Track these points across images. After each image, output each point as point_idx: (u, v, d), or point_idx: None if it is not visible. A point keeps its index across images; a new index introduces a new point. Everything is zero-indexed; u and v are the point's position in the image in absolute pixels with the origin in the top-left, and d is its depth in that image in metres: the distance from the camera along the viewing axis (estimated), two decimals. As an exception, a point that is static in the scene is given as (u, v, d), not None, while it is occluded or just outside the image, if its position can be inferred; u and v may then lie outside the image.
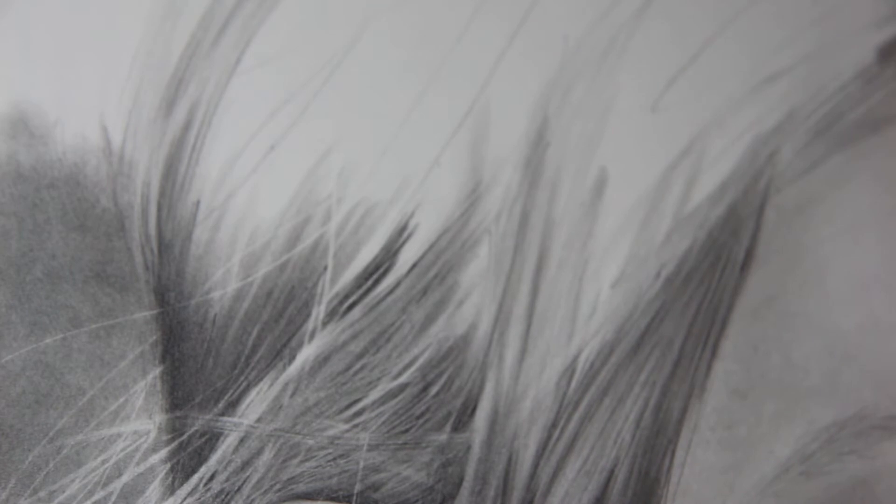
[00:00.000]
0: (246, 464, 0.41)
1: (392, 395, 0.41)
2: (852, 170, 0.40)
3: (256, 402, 0.41)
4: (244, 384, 0.41)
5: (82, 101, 0.42)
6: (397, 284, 0.40)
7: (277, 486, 0.41)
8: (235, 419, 0.41)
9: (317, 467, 0.41)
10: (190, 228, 0.41)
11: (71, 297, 0.42)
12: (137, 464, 0.42)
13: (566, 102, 0.40)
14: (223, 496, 0.41)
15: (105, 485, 0.42)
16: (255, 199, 0.41)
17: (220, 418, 0.41)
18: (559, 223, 0.40)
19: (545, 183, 0.40)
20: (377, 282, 0.40)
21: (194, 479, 0.41)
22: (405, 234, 0.40)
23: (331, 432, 0.41)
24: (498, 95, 0.40)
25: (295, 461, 0.41)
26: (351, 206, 0.40)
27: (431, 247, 0.40)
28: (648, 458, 0.40)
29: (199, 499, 0.41)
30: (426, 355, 0.40)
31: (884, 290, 0.40)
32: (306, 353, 0.41)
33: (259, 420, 0.41)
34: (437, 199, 0.40)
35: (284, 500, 0.41)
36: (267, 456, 0.41)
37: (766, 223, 0.40)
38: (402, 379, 0.40)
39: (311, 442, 0.41)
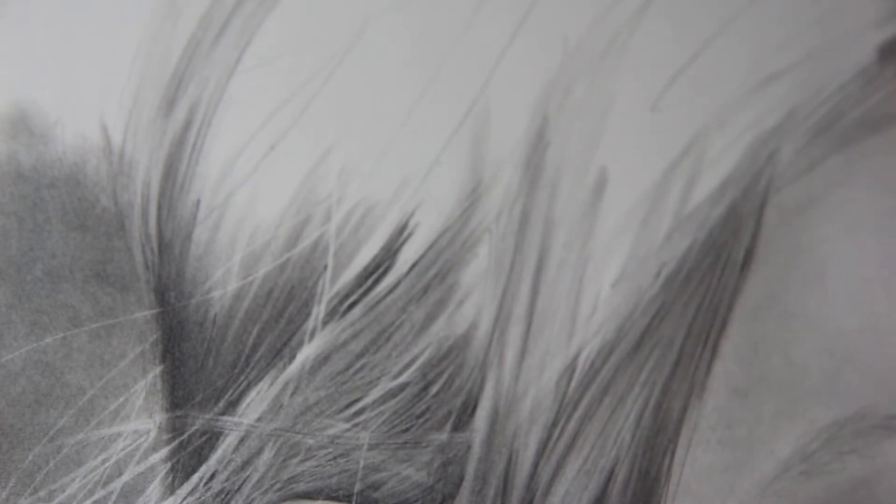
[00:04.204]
0: (246, 463, 0.41)
1: (392, 394, 0.41)
2: (852, 170, 0.40)
3: (256, 402, 0.41)
4: (244, 383, 0.41)
5: (82, 100, 0.42)
6: (397, 284, 0.40)
7: (278, 486, 0.41)
8: (235, 418, 0.41)
9: (317, 466, 0.41)
10: (190, 228, 0.41)
11: (71, 297, 0.42)
12: (138, 463, 0.42)
13: (566, 102, 0.40)
14: (223, 495, 0.41)
15: (105, 484, 0.42)
16: (255, 198, 0.41)
17: (221, 417, 0.41)
18: (559, 223, 0.40)
19: (545, 183, 0.40)
20: (377, 281, 0.40)
21: (194, 478, 0.41)
22: (405, 234, 0.40)
23: (331, 431, 0.41)
24: (498, 95, 0.40)
25: (295, 460, 0.41)
26: (351, 206, 0.40)
27: (431, 246, 0.40)
28: (648, 457, 0.40)
29: (200, 498, 0.41)
30: (426, 355, 0.40)
31: (884, 290, 0.40)
32: (306, 353, 0.41)
33: (259, 419, 0.41)
34: (437, 199, 0.40)
35: (284, 500, 0.41)
36: (267, 455, 0.41)
37: (766, 223, 0.40)
38: (403, 378, 0.41)
39: (311, 441, 0.41)
